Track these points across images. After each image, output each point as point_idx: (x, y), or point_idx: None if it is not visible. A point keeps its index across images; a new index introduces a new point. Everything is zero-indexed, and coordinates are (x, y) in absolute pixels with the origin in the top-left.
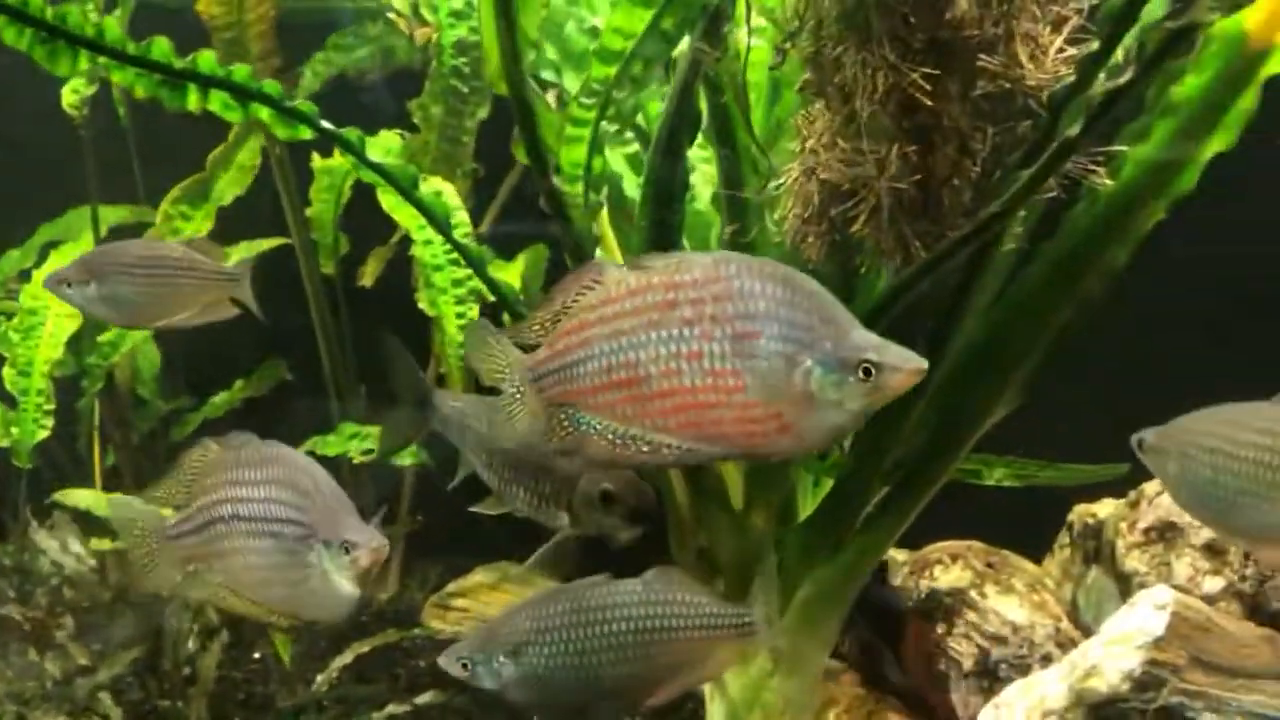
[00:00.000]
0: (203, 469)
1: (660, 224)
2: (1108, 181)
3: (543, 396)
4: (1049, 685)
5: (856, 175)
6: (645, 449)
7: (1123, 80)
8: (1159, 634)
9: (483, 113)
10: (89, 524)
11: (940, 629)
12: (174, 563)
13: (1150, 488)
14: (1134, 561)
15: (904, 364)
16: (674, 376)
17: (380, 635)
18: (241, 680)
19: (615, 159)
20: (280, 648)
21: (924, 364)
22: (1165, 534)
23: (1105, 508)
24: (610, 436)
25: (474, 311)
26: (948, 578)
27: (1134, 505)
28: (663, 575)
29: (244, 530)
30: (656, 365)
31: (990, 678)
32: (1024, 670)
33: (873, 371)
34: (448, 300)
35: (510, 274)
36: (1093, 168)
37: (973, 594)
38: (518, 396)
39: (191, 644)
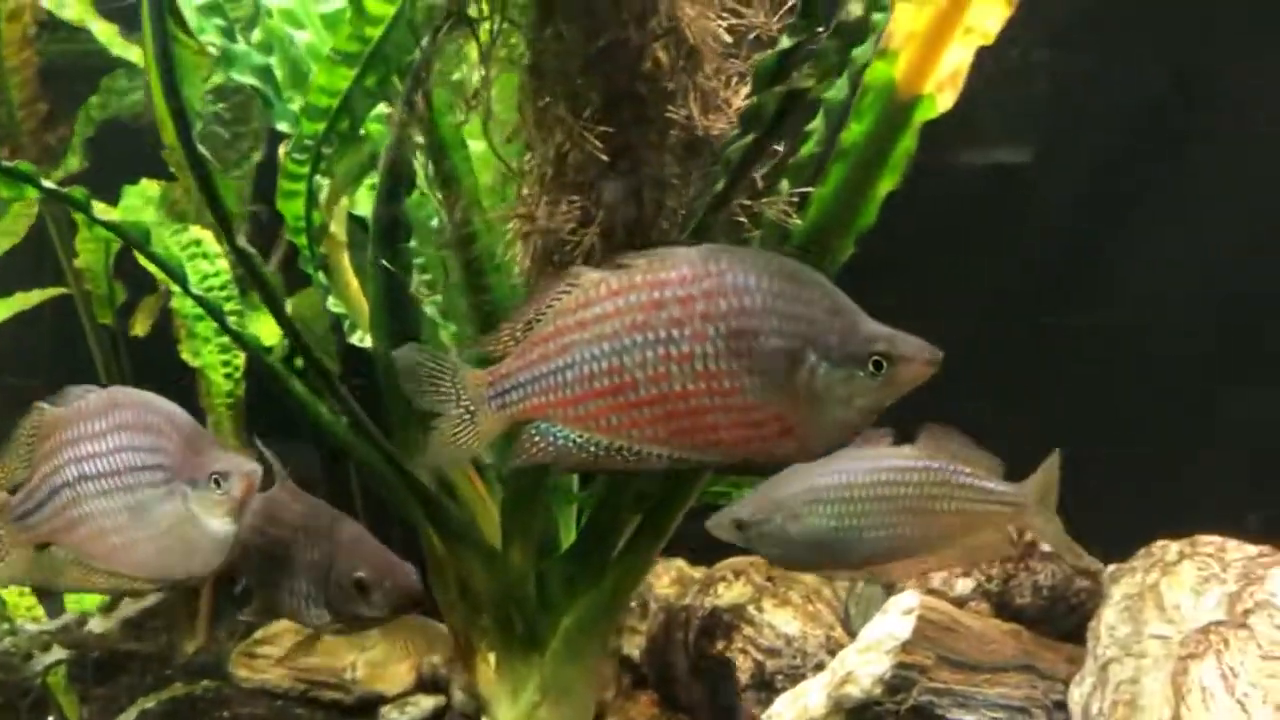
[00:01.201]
0: (39, 434)
1: (388, 266)
2: (797, 220)
3: (508, 413)
4: (812, 694)
5: (567, 221)
6: (632, 460)
7: (748, 139)
8: (906, 638)
9: (256, 155)
10: None
11: (720, 645)
12: (27, 547)
13: None
14: None
15: (918, 354)
16: (663, 382)
17: (168, 690)
18: None
19: (366, 199)
20: (68, 709)
21: (939, 354)
22: None
23: None
24: (592, 449)
25: (240, 359)
26: (730, 594)
27: None
28: None
29: (95, 490)
30: (644, 370)
31: (768, 689)
32: (798, 680)
33: (884, 364)
34: (212, 349)
35: (270, 324)
36: (786, 209)
37: (750, 609)
38: (466, 417)
39: None
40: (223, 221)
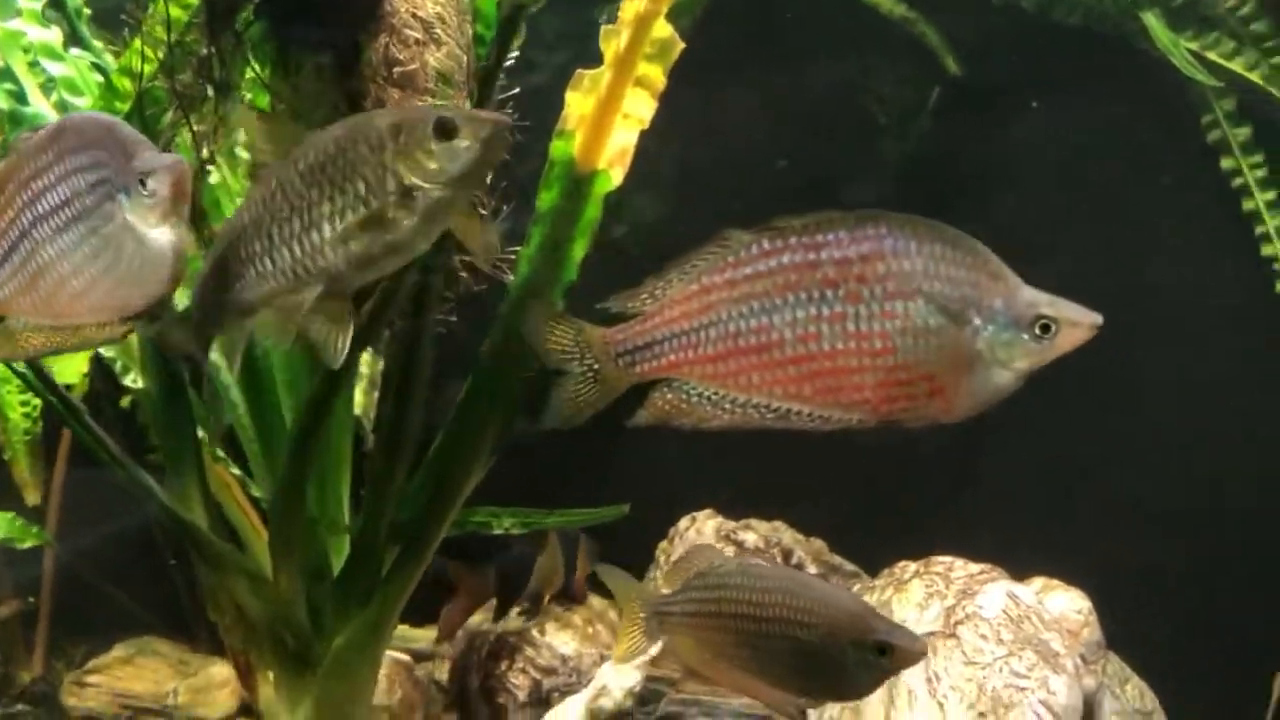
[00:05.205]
0: None
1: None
2: (511, 277)
3: (637, 371)
4: (572, 708)
5: None
6: (770, 416)
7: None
8: (654, 652)
9: None
10: None
11: (503, 666)
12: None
13: (683, 524)
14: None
15: (1082, 319)
16: (812, 341)
17: None
18: None
19: None
20: None
21: (1099, 319)
22: None
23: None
24: (728, 406)
25: (37, 399)
26: (517, 621)
27: (671, 540)
28: None
29: (50, 230)
30: (792, 330)
31: (544, 706)
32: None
33: (1049, 328)
34: (11, 389)
35: (72, 367)
36: (501, 266)
37: (533, 632)
38: (590, 375)
39: None
40: None
